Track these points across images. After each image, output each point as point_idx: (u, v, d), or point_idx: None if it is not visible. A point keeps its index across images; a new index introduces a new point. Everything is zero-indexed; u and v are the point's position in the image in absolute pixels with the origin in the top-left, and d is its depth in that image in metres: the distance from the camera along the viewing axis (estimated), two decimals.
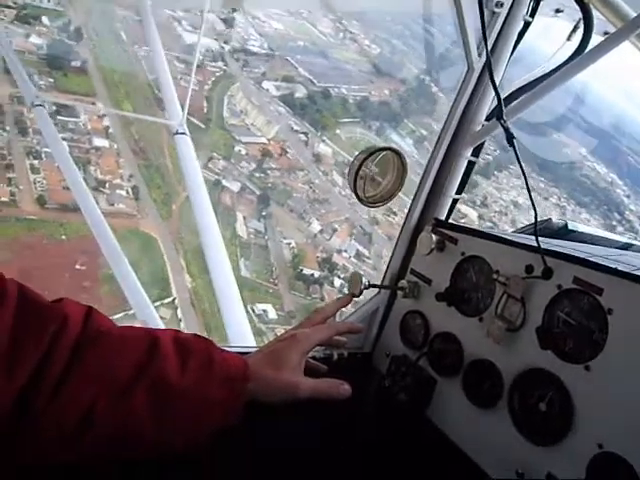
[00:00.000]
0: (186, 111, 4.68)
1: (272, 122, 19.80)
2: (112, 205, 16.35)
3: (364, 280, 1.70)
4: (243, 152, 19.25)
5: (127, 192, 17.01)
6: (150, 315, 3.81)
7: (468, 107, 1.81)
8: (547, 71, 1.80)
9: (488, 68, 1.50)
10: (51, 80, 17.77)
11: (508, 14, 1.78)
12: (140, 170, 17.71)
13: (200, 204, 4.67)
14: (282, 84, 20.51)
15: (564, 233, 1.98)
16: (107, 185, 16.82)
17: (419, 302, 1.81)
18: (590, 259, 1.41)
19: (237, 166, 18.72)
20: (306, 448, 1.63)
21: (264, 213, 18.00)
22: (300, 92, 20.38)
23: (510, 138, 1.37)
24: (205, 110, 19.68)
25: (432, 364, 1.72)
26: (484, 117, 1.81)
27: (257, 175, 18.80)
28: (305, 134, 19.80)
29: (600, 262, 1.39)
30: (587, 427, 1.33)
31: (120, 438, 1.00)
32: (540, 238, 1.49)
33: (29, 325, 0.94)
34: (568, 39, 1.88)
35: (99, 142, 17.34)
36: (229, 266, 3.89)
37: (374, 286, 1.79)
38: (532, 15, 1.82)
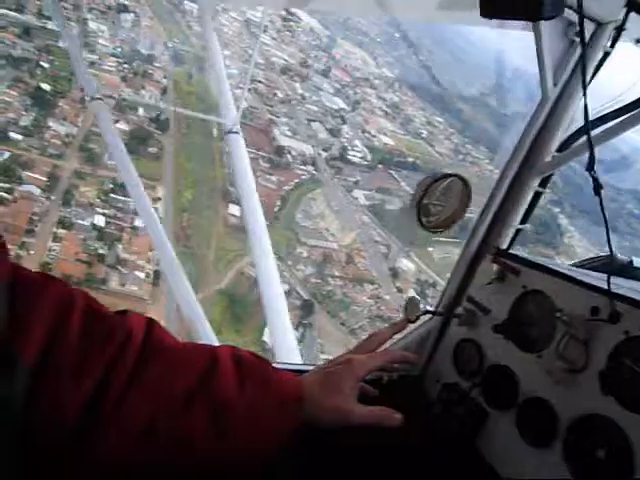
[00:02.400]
0: (240, 111, 4.74)
1: (347, 229, 19.17)
2: (123, 285, 15.89)
3: (420, 306, 1.69)
4: (305, 255, 18.57)
5: (147, 275, 16.65)
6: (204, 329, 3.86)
7: (539, 137, 1.77)
8: (625, 104, 1.74)
9: (584, 108, 1.43)
10: None
11: (588, 44, 1.73)
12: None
13: (249, 204, 4.67)
14: (375, 194, 20.11)
15: (628, 270, 1.92)
16: (127, 264, 16.55)
17: (475, 331, 1.79)
18: None
19: (292, 268, 17.92)
20: (352, 471, 1.63)
21: (305, 321, 16.77)
22: (394, 205, 19.83)
23: (598, 188, 1.31)
24: (276, 209, 19.53)
25: (485, 395, 1.70)
26: (555, 148, 1.77)
27: (313, 280, 17.83)
28: (387, 247, 18.88)
29: None
30: None
31: (179, 451, 1.01)
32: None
33: (96, 334, 0.97)
34: None
35: (141, 223, 16.89)
36: (278, 280, 3.88)
37: (430, 312, 1.78)
38: (612, 45, 1.76)
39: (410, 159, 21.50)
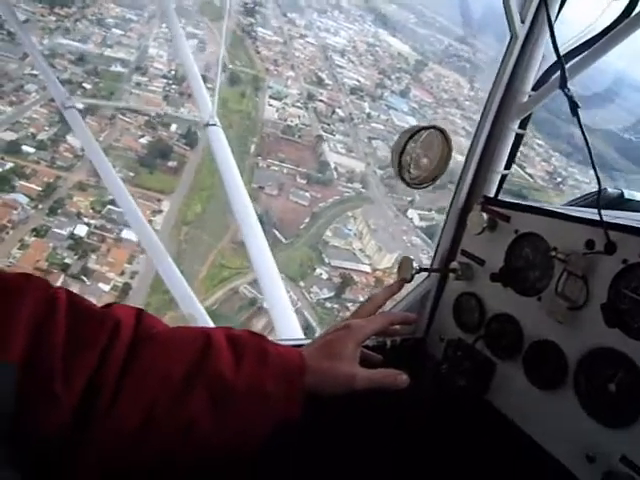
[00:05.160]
0: (216, 103, 4.69)
1: (385, 250, 17.73)
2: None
3: (414, 264, 1.65)
4: (324, 277, 17.10)
5: (114, 287, 15.69)
6: (198, 312, 3.85)
7: (513, 77, 1.72)
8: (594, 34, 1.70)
9: (550, 31, 1.38)
10: (131, 174, 18.10)
11: None
12: None
13: (235, 193, 4.66)
14: (435, 215, 18.65)
15: (620, 203, 1.89)
16: (93, 275, 15.65)
17: (472, 284, 1.75)
18: None
19: (304, 290, 16.52)
20: (363, 437, 1.61)
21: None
22: None
23: (574, 107, 1.27)
24: (303, 226, 18.33)
25: (490, 347, 1.67)
26: (530, 87, 1.73)
27: (328, 305, 16.33)
28: None
29: None
30: None
31: (182, 439, 0.99)
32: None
33: (82, 330, 0.94)
34: None
35: (129, 235, 16.06)
36: (272, 258, 3.87)
37: (425, 270, 1.74)
38: None
39: None
